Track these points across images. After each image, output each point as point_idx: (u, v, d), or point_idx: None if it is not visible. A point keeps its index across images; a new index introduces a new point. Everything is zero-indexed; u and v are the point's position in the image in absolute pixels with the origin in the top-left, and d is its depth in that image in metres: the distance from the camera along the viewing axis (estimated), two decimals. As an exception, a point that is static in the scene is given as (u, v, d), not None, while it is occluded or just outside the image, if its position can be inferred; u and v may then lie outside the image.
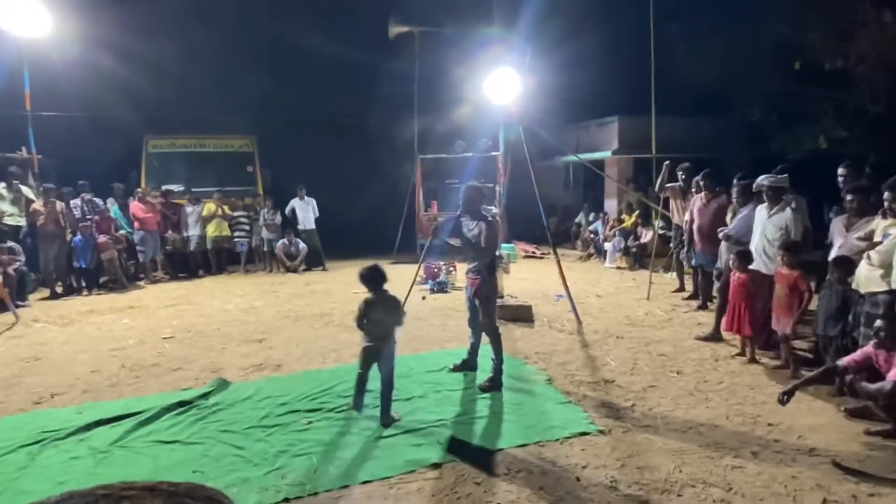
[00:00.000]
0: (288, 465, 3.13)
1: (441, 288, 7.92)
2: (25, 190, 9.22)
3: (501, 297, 7.07)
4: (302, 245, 10.53)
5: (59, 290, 8.71)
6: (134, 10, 11.12)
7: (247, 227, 10.70)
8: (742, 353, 4.84)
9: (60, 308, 7.61)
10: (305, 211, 10.85)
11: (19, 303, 7.48)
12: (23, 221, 8.94)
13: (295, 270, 10.37)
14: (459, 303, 7.23)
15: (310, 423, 3.64)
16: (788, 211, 4.85)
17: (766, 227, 4.98)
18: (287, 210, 10.88)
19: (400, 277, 9.32)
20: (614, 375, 4.44)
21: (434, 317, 6.52)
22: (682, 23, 11.77)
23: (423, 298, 7.55)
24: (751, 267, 4.88)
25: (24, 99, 9.78)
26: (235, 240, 10.57)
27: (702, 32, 11.59)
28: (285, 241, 10.45)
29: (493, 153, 11.82)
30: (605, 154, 13.09)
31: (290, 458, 3.21)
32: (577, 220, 13.07)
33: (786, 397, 3.41)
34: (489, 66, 7.18)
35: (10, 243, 8.04)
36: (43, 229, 8.58)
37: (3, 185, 8.91)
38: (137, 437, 3.45)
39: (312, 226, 10.88)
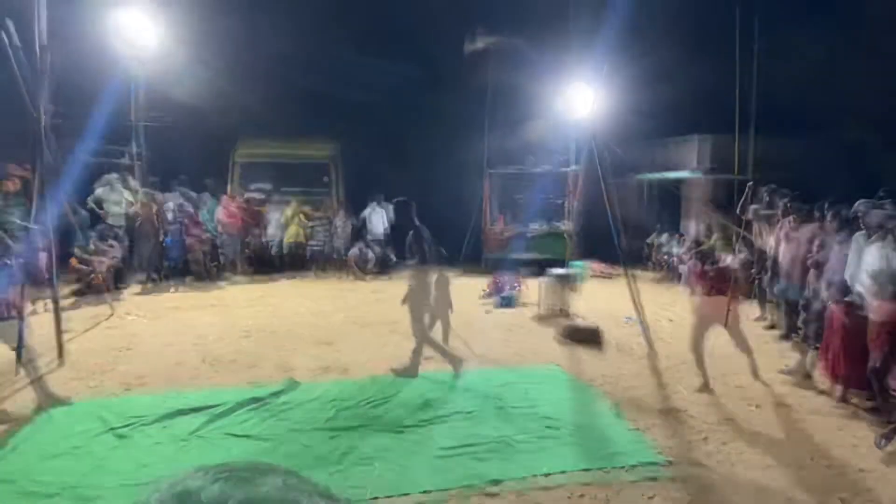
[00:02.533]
0: (351, 468, 3.19)
1: (507, 303, 7.85)
2: (127, 193, 10.12)
3: (568, 316, 6.92)
4: (371, 254, 10.81)
5: (150, 285, 9.44)
6: (229, 22, 11.92)
7: (322, 233, 11.14)
8: (831, 391, 4.44)
9: (150, 303, 8.23)
10: (379, 218, 11.16)
11: (116, 295, 8.16)
12: (123, 221, 9.79)
13: (364, 278, 10.64)
14: (524, 319, 7.15)
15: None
16: (891, 239, 4.42)
17: (864, 256, 4.56)
18: (361, 217, 11.24)
19: (465, 289, 9.48)
20: (686, 405, 4.20)
21: (497, 332, 6.47)
22: (771, 35, 11.15)
23: (488, 313, 7.51)
24: (846, 299, 4.48)
25: (129, 109, 10.77)
26: (310, 245, 11.03)
27: (793, 45, 10.91)
28: (356, 250, 10.78)
29: (566, 169, 11.69)
30: (684, 173, 12.54)
31: (354, 461, 3.27)
32: (649, 240, 12.59)
33: (884, 441, 3.08)
34: (564, 80, 7.12)
35: (110, 240, 8.82)
36: (140, 229, 9.36)
37: (108, 187, 9.82)
38: (213, 429, 3.64)
39: (384, 234, 11.16)
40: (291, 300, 8.44)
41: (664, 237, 11.99)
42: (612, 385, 4.67)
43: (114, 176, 10.05)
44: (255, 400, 4.13)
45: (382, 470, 3.16)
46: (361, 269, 10.73)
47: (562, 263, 8.40)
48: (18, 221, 8.21)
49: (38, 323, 6.00)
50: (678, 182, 12.34)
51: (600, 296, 9.06)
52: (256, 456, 3.30)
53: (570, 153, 11.58)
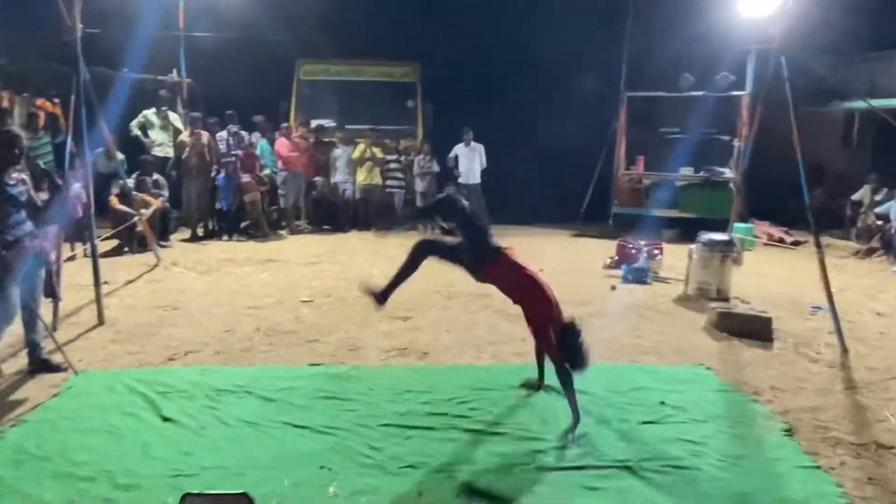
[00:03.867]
0: (427, 480, 3.25)
1: (639, 277, 7.58)
2: (173, 117, 10.81)
3: (726, 298, 6.56)
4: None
5: (199, 232, 10.15)
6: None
7: (400, 176, 11.30)
8: None
9: (199, 253, 8.87)
10: (470, 160, 11.10)
11: (161, 242, 8.87)
12: (170, 153, 10.52)
13: (452, 233, 10.69)
14: (663, 300, 6.87)
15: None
16: None
17: None
18: (449, 158, 11.24)
19: (584, 255, 9.29)
20: (894, 439, 3.84)
21: (625, 315, 6.27)
22: None
23: (613, 289, 7.30)
24: None
25: (178, 16, 11.35)
26: (388, 190, 11.25)
27: None
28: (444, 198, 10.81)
29: (736, 93, 10.83)
30: (916, 100, 11.15)
31: (431, 472, 3.33)
32: (855, 196, 11.47)
33: None
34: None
35: (155, 176, 9.53)
36: (187, 163, 10.02)
37: (153, 110, 10.54)
38: (266, 416, 3.86)
39: (477, 180, 11.12)
40: (362, 259, 8.73)
41: (879, 194, 10.85)
42: (786, 401, 4.36)
43: (163, 94, 10.75)
44: (316, 384, 4.32)
45: (467, 489, 3.19)
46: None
47: (722, 225, 7.89)
48: (50, 159, 9.11)
49: (74, 272, 6.69)
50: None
51: (774, 273, 8.51)
52: (313, 454, 3.45)
53: (744, 71, 10.67)
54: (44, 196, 7.43)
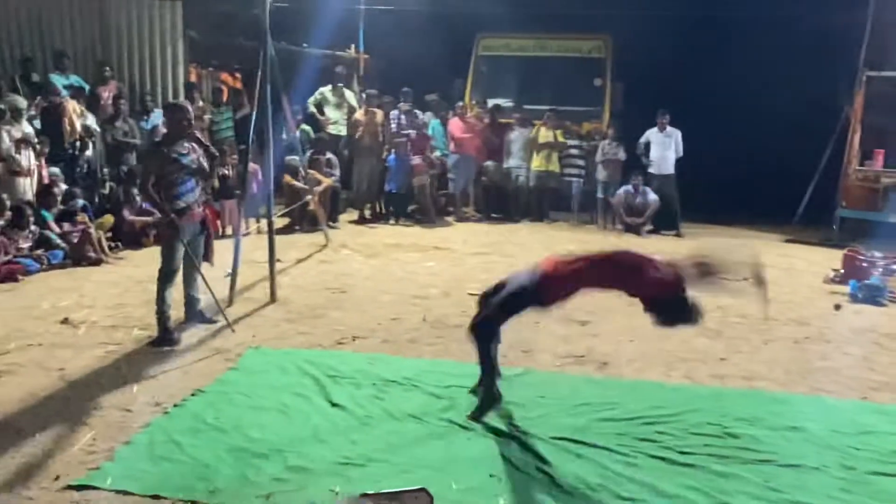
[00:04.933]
0: (600, 504, 3.19)
1: (872, 296, 6.85)
2: (349, 95, 11.49)
3: None
4: (651, 196, 10.45)
5: (366, 214, 10.74)
6: None
7: (580, 163, 11.14)
8: None
9: (367, 236, 9.38)
10: (664, 148, 10.64)
11: (331, 223, 9.49)
12: (344, 131, 11.20)
13: (637, 231, 10.41)
14: (903, 326, 6.16)
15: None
16: None
17: None
18: (639, 144, 10.86)
19: (799, 266, 8.58)
20: None
21: (856, 343, 5.69)
22: None
23: (838, 308, 6.66)
24: None
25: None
26: (566, 178, 11.14)
27: None
28: (629, 187, 10.53)
29: None
30: None
31: (611, 497, 3.26)
32: None
33: None
34: None
35: (328, 155, 10.21)
36: (360, 142, 10.61)
37: (330, 87, 11.27)
38: (433, 412, 4.00)
39: (671, 170, 10.64)
40: (534, 253, 8.67)
41: None
42: None
43: (340, 71, 11.44)
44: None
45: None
46: (634, 216, 10.47)
47: None
48: (231, 134, 10.06)
49: (249, 248, 7.35)
50: None
51: None
52: (483, 459, 3.51)
53: None
54: (225, 171, 8.26)
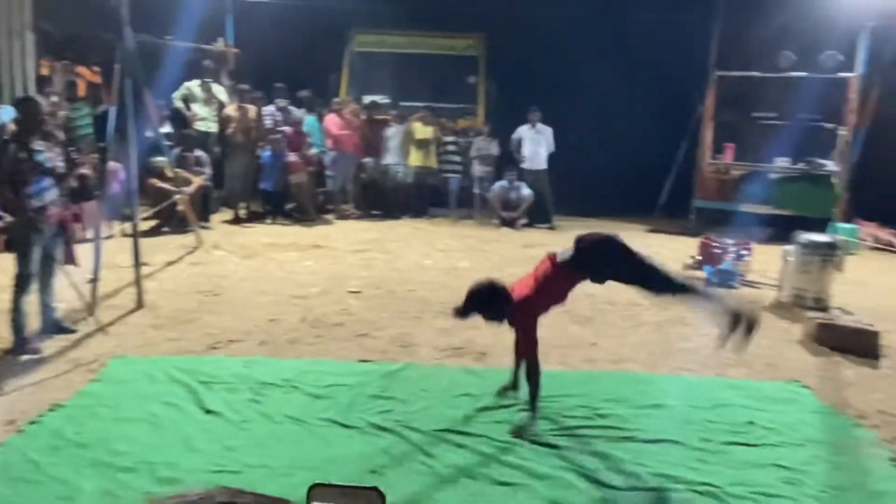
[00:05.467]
0: (485, 492, 3.27)
1: (724, 280, 7.39)
2: (218, 90, 11.07)
3: (825, 308, 6.35)
4: (526, 191, 10.76)
5: (241, 213, 10.40)
6: None
7: (458, 159, 11.30)
8: None
9: (242, 236, 9.08)
10: (536, 144, 11.00)
11: (202, 224, 9.12)
12: (214, 128, 10.79)
13: (513, 224, 10.70)
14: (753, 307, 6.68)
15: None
16: None
17: None
18: (512, 140, 11.17)
19: (660, 254, 9.06)
20: None
21: (710, 324, 6.10)
22: None
23: (695, 292, 7.14)
24: None
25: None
26: (444, 174, 11.27)
27: None
28: (504, 182, 10.80)
29: (844, 75, 10.42)
30: None
31: (490, 484, 3.35)
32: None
33: None
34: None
35: (197, 153, 9.80)
36: (232, 139, 10.25)
37: (197, 81, 10.81)
38: (313, 413, 3.95)
39: (543, 166, 11.02)
40: (415, 248, 8.78)
41: None
42: (895, 427, 4.20)
43: (208, 65, 11.00)
44: (365, 381, 4.39)
45: (524, 499, 3.20)
46: (509, 210, 10.76)
47: (821, 225, 7.62)
48: (90, 131, 9.45)
49: (112, 252, 6.95)
50: None
51: (881, 281, 8.18)
52: (363, 456, 3.51)
53: (854, 50, 10.25)
54: (83, 170, 7.73)
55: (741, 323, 3.84)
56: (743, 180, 10.80)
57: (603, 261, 3.98)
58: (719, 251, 7.90)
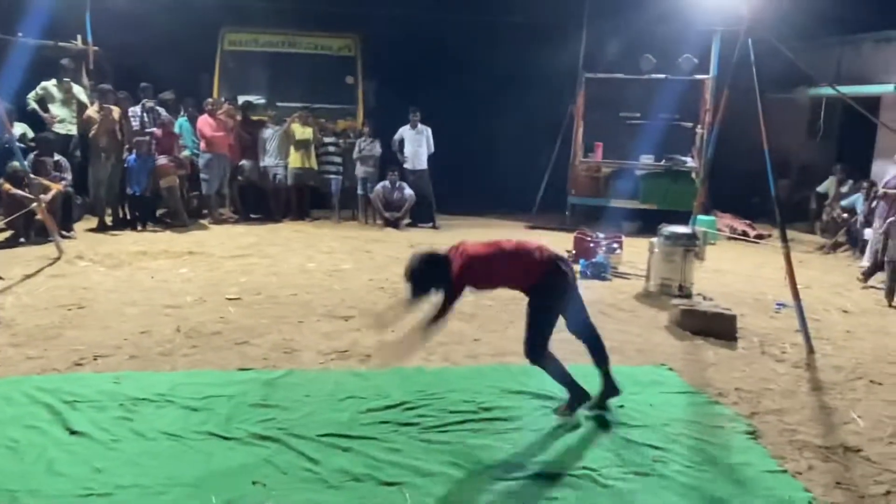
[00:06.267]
0: (372, 494, 3.26)
1: (597, 272, 7.74)
2: (77, 90, 10.41)
3: (688, 295, 6.78)
4: (408, 191, 10.83)
5: (108, 220, 9.83)
6: None
7: (338, 160, 11.20)
8: None
9: (108, 244, 8.59)
10: (417, 144, 11.10)
11: (63, 232, 8.55)
12: (74, 130, 10.14)
13: (396, 224, 10.73)
14: (623, 297, 7.04)
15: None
16: None
17: None
18: (393, 141, 11.20)
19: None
20: (861, 442, 4.05)
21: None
22: None
23: (571, 284, 7.43)
24: None
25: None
26: (324, 176, 11.13)
27: None
28: (386, 183, 10.82)
29: (700, 77, 11.17)
30: (886, 88, 11.73)
31: (376, 485, 3.34)
32: (821, 188, 12.00)
33: None
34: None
35: (56, 157, 9.17)
36: (95, 141, 9.66)
37: (54, 81, 10.13)
38: (189, 427, 3.79)
39: (424, 166, 11.13)
40: (296, 252, 8.62)
41: (845, 186, 11.38)
42: (751, 403, 4.54)
43: (66, 64, 10.30)
44: (246, 391, 4.26)
45: (413, 499, 3.22)
46: (392, 210, 10.79)
47: (684, 217, 8.13)
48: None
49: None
50: (872, 102, 11.54)
51: (737, 268, 8.84)
52: (245, 468, 3.41)
53: (708, 54, 11.02)
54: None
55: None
56: (612, 177, 11.36)
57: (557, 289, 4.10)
58: (592, 245, 8.27)
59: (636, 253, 8.40)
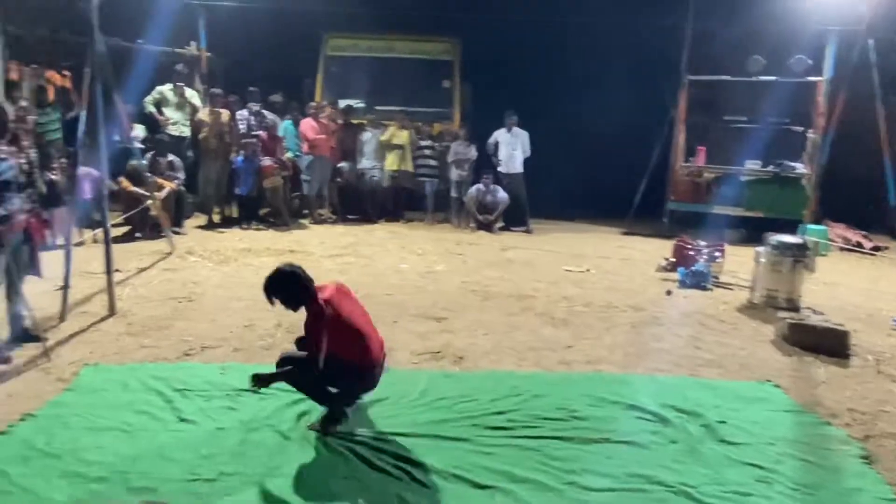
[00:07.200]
0: (464, 496, 3.27)
1: (698, 282, 7.48)
2: (190, 94, 10.98)
3: (796, 308, 6.46)
4: (501, 194, 10.81)
5: (216, 218, 10.32)
6: None
7: (434, 163, 11.32)
8: None
9: (216, 241, 9.01)
10: (512, 147, 11.06)
11: (175, 229, 9.04)
12: (187, 132, 10.70)
13: (489, 228, 10.74)
14: (725, 308, 6.79)
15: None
16: None
17: None
18: (488, 144, 11.22)
19: (635, 256, 9.22)
20: None
21: (682, 324, 6.21)
22: None
23: (669, 294, 7.23)
24: None
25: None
26: (419, 178, 11.28)
27: None
28: (480, 186, 10.84)
29: (813, 79, 10.61)
30: None
31: (469, 487, 3.35)
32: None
33: None
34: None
35: (170, 157, 9.70)
36: (205, 143, 10.17)
37: (169, 85, 10.72)
38: (289, 419, 3.93)
39: (519, 169, 11.08)
40: (391, 253, 8.78)
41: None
42: (866, 425, 4.28)
43: (180, 69, 10.89)
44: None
45: (502, 502, 3.21)
46: (486, 213, 10.79)
47: (791, 226, 7.77)
48: (59, 136, 9.32)
49: (84, 258, 6.87)
50: None
51: (850, 282, 8.35)
52: (339, 462, 3.50)
53: (822, 55, 10.45)
54: (53, 176, 7.63)
55: None
56: (715, 183, 10.97)
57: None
58: (692, 253, 8.01)
59: (739, 262, 8.08)
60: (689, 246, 8.14)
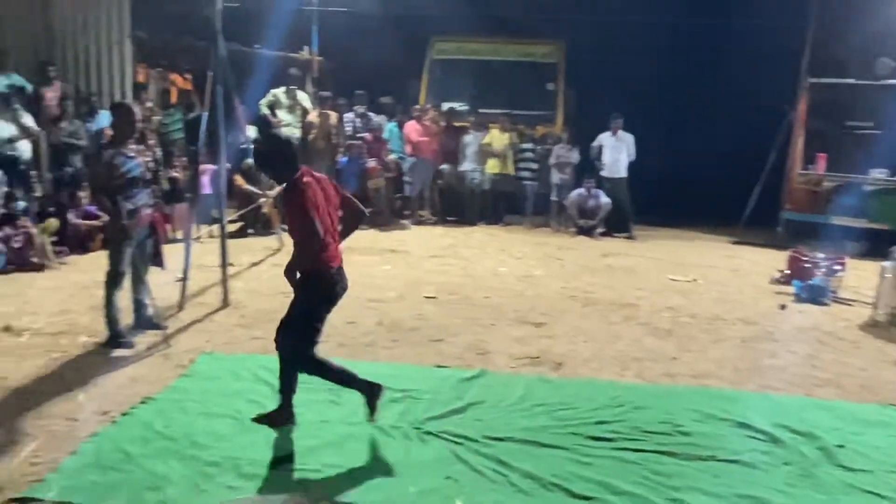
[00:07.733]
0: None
1: (815, 296, 7.07)
2: (302, 97, 11.39)
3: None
4: (604, 199, 10.61)
5: (322, 217, 10.64)
6: None
7: (535, 166, 11.25)
8: None
9: (321, 239, 9.29)
10: (617, 151, 10.82)
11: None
12: (298, 134, 11.09)
13: (589, 233, 10.56)
14: (845, 325, 6.39)
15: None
16: None
17: None
18: (592, 148, 11.03)
19: (746, 267, 8.82)
20: None
21: (798, 340, 5.88)
22: None
23: (783, 308, 6.86)
24: None
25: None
26: (520, 181, 11.24)
27: None
28: (581, 190, 10.68)
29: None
30: None
31: (566, 496, 3.30)
32: None
33: None
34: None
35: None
36: (313, 145, 10.51)
37: (283, 89, 11.15)
38: (390, 417, 3.99)
39: (623, 174, 10.83)
40: (490, 255, 8.79)
41: None
42: None
43: (293, 72, 11.32)
44: (441, 387, 4.41)
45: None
46: (587, 218, 10.62)
47: (920, 242, 7.21)
48: (181, 136, 9.87)
49: (200, 253, 7.23)
50: None
51: None
52: (438, 461, 3.53)
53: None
54: (175, 174, 8.08)
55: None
56: (836, 192, 10.33)
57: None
58: (810, 265, 7.58)
59: (861, 277, 7.59)
60: (806, 258, 7.70)
